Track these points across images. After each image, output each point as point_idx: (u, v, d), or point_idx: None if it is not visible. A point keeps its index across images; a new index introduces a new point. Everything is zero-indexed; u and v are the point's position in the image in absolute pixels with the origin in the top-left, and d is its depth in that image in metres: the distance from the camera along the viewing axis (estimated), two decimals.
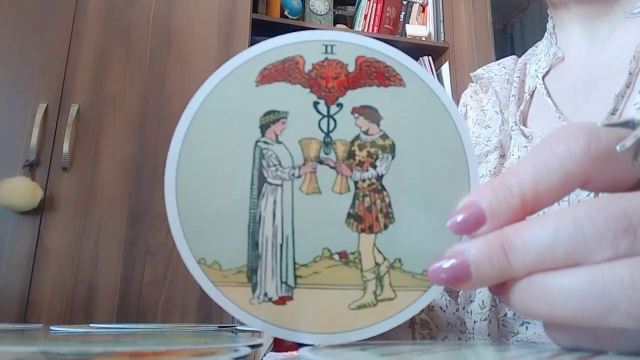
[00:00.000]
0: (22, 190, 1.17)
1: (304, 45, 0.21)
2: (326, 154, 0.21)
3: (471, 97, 0.53)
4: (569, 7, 0.45)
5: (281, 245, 0.20)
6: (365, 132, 0.21)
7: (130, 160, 1.30)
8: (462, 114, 0.53)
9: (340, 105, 0.21)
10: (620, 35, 0.41)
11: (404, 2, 1.89)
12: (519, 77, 0.49)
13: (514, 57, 0.53)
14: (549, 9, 0.48)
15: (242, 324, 0.20)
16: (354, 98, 0.21)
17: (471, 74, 0.55)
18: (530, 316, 0.18)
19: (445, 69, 1.82)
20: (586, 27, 0.44)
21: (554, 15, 0.48)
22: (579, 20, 0.44)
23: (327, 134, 0.21)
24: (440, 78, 1.81)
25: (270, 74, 0.21)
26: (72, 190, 1.25)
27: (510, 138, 0.44)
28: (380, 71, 0.21)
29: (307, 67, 0.21)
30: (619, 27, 0.42)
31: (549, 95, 0.44)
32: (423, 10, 1.94)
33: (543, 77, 0.46)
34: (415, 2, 1.92)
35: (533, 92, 0.46)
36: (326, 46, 0.21)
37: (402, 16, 1.88)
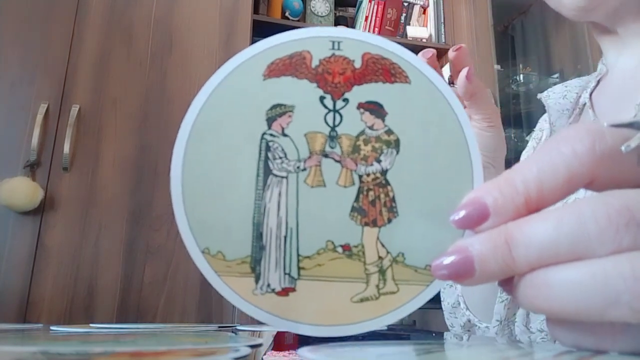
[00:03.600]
0: (23, 191, 1.17)
1: (311, 40, 0.22)
2: (331, 147, 0.21)
3: (545, 120, 0.57)
4: (614, 29, 0.47)
5: (285, 237, 0.21)
6: (371, 127, 0.21)
7: (130, 160, 1.31)
8: (538, 138, 0.57)
9: (346, 100, 0.21)
10: None
11: (405, 4, 1.89)
12: (577, 93, 0.52)
13: (584, 77, 0.56)
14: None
15: (242, 323, 0.20)
16: (359, 93, 0.22)
17: (538, 97, 0.59)
18: (535, 311, 0.18)
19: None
20: (624, 43, 0.47)
21: (602, 44, 0.51)
22: (629, 43, 0.47)
23: (333, 128, 0.21)
24: None
25: (278, 69, 0.21)
26: (73, 190, 1.25)
27: None
28: (386, 68, 0.22)
29: (314, 63, 0.22)
30: None
31: (592, 108, 0.47)
32: (424, 12, 1.94)
33: (591, 93, 0.49)
34: (416, 4, 1.92)
35: (584, 105, 0.49)
36: (333, 42, 0.22)
37: (403, 18, 1.88)
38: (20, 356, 0.14)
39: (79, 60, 1.33)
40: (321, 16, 1.80)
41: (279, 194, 0.21)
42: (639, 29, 0.46)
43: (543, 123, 0.58)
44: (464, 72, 0.38)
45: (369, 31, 1.79)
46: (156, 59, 1.39)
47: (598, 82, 0.50)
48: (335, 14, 1.86)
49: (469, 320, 0.50)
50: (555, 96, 0.53)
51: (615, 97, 0.46)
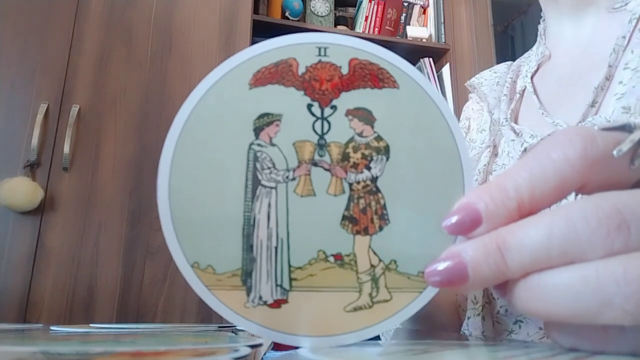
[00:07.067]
0: (23, 191, 1.17)
1: (297, 47, 0.21)
2: (320, 156, 0.21)
3: (472, 109, 0.55)
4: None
5: (276, 248, 0.20)
6: (360, 134, 0.21)
7: (130, 160, 1.31)
8: (465, 127, 0.55)
9: (334, 108, 0.21)
10: (604, 30, 0.42)
11: (405, 4, 1.89)
12: (511, 77, 0.51)
13: (508, 62, 0.55)
14: (542, 12, 0.50)
15: None
16: (347, 100, 0.21)
17: (465, 84, 0.57)
18: (530, 315, 0.18)
19: (445, 70, 1.82)
20: (573, 21, 0.45)
21: (545, 12, 0.49)
22: (568, 12, 0.45)
23: (322, 136, 0.21)
24: (441, 80, 1.81)
25: (264, 77, 0.21)
26: (73, 190, 1.25)
27: (502, 135, 0.45)
28: (374, 73, 0.21)
29: (301, 70, 0.21)
30: (602, 22, 0.43)
31: (535, 93, 0.45)
32: (424, 12, 1.94)
33: (532, 77, 0.47)
34: (416, 4, 1.92)
35: (523, 91, 0.48)
36: (319, 49, 0.21)
37: (403, 18, 1.88)
38: (20, 356, 0.14)
39: (79, 60, 1.33)
40: (321, 16, 1.80)
41: (269, 205, 0.20)
42: None
43: (469, 112, 0.55)
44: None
45: (369, 31, 1.79)
46: (156, 59, 1.39)
47: (538, 65, 0.48)
48: (335, 14, 1.86)
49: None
50: (488, 83, 0.51)
51: (560, 82, 0.44)
